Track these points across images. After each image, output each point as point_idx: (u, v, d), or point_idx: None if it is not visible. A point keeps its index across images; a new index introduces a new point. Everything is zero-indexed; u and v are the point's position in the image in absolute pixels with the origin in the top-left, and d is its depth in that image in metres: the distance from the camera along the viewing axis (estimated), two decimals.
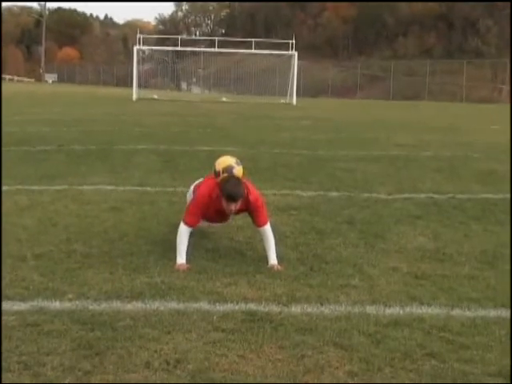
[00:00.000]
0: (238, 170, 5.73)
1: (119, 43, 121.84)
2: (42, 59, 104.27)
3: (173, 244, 5.53)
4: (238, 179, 5.50)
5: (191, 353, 3.71)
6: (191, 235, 5.59)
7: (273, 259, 5.49)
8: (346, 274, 5.29)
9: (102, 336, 3.89)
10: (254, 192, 5.62)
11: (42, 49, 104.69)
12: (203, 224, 6.05)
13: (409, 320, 4.29)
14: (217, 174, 5.71)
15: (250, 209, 5.58)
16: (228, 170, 5.67)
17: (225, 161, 5.81)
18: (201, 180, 6.22)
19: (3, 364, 3.50)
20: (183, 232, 5.50)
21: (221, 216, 5.74)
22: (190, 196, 6.36)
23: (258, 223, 5.66)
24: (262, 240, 5.69)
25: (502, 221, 7.49)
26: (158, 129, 19.16)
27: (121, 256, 5.61)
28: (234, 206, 5.39)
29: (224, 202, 5.38)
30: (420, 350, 3.84)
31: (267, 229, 5.63)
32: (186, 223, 5.54)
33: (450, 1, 76.39)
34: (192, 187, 6.35)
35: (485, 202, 8.57)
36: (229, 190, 5.32)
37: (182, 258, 5.39)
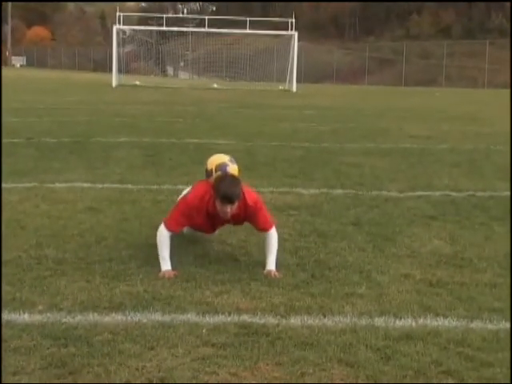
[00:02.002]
0: (233, 169, 5.69)
1: (96, 22, 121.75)
2: (8, 40, 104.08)
3: (156, 249, 5.53)
4: (234, 178, 5.44)
5: (177, 370, 3.72)
6: (177, 238, 5.60)
7: (270, 265, 5.49)
8: (352, 282, 5.30)
9: (76, 352, 3.89)
10: (252, 194, 5.60)
11: (7, 28, 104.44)
12: (188, 230, 6.05)
13: (422, 333, 4.30)
14: (209, 173, 5.66)
15: (248, 213, 5.54)
16: (221, 167, 5.63)
17: (217, 158, 5.78)
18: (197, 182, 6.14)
19: None
20: (164, 236, 5.50)
21: (211, 224, 5.68)
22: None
23: (261, 227, 5.64)
24: (263, 243, 5.68)
25: None
26: (140, 119, 19.17)
27: (98, 262, 5.61)
28: (229, 209, 5.32)
29: (219, 204, 5.31)
30: (435, 368, 3.85)
31: (271, 233, 5.62)
32: (167, 227, 5.52)
33: None
34: (186, 190, 6.30)
35: (508, 200, 8.58)
36: (224, 189, 5.24)
37: (166, 264, 5.39)
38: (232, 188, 5.27)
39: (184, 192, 6.23)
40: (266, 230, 5.63)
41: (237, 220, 5.60)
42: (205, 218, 5.51)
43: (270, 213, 5.84)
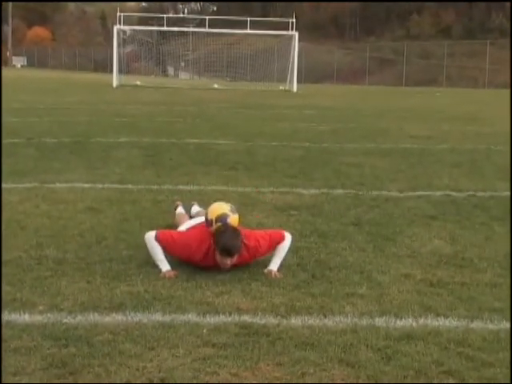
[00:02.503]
0: (233, 219, 5.62)
1: (97, 22, 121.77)
2: (9, 40, 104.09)
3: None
4: (234, 230, 5.41)
5: (178, 371, 3.71)
6: None
7: (273, 265, 5.50)
8: (353, 282, 5.30)
9: (76, 353, 3.89)
10: (252, 234, 5.59)
11: (8, 28, 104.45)
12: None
13: (423, 333, 4.30)
14: (209, 223, 5.61)
15: (258, 252, 5.54)
16: (222, 219, 5.55)
17: (218, 208, 5.68)
18: (196, 223, 6.07)
19: None
20: (153, 242, 5.49)
21: (212, 266, 5.56)
22: (182, 224, 6.29)
23: (275, 247, 5.64)
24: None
25: None
26: (141, 119, 19.17)
27: (99, 262, 5.61)
28: (229, 261, 5.31)
29: (218, 256, 5.31)
30: (436, 368, 3.84)
31: (285, 243, 5.66)
32: (158, 240, 5.49)
33: None
34: (187, 225, 6.18)
35: (509, 200, 8.58)
36: (224, 242, 5.23)
37: (165, 265, 5.39)
38: (232, 241, 5.27)
39: (181, 227, 6.16)
40: (280, 244, 5.64)
41: (241, 264, 5.51)
42: (202, 261, 5.44)
43: (272, 232, 5.81)
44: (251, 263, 5.59)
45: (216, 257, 5.34)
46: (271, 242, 5.62)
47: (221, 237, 5.28)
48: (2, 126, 14.87)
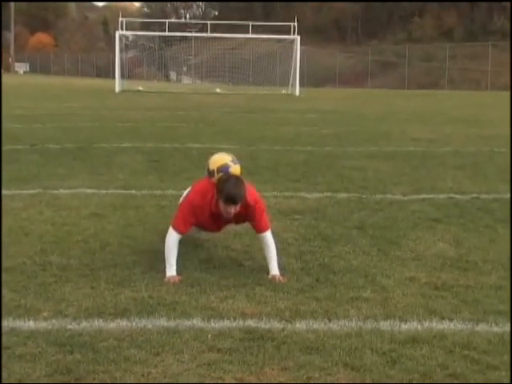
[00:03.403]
0: (235, 169, 5.65)
1: (99, 28, 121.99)
2: (12, 46, 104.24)
3: (161, 254, 5.53)
4: (238, 178, 5.42)
5: (183, 376, 3.71)
6: (181, 243, 5.60)
7: (274, 269, 5.50)
8: (357, 286, 5.29)
9: (81, 359, 3.89)
10: (254, 193, 5.60)
11: (11, 35, 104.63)
12: (194, 232, 6.04)
13: (428, 337, 4.29)
14: (211, 173, 5.63)
15: (249, 212, 5.54)
16: (223, 169, 5.59)
17: (220, 159, 5.72)
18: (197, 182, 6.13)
19: None
20: (172, 239, 5.50)
21: (216, 223, 5.68)
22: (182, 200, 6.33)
23: (258, 228, 5.64)
24: (262, 248, 5.70)
25: None
26: (143, 124, 19.18)
27: (103, 268, 5.61)
28: (233, 209, 5.32)
29: (222, 204, 5.31)
30: (441, 371, 3.84)
31: (268, 235, 5.63)
32: (176, 229, 5.53)
33: None
34: (185, 191, 6.31)
35: None
36: (228, 190, 5.24)
37: (172, 270, 5.40)
38: (236, 189, 5.27)
39: (184, 193, 6.22)
40: (261, 231, 5.63)
41: (238, 219, 5.60)
42: (208, 216, 5.51)
43: (268, 216, 5.80)
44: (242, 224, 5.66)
45: (220, 206, 5.33)
46: (261, 217, 5.59)
47: (224, 185, 5.28)
48: (1, 132, 14.88)
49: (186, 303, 4.82)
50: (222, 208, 5.34)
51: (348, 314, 4.68)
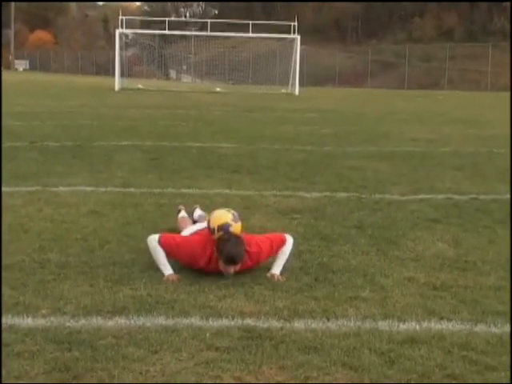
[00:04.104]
0: (236, 228, 5.59)
1: (99, 26, 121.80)
2: (11, 44, 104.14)
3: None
4: (237, 238, 5.39)
5: (181, 375, 3.71)
6: None
7: (275, 268, 5.51)
8: (356, 285, 5.29)
9: (80, 357, 3.89)
10: (253, 240, 5.57)
11: (10, 32, 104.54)
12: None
13: (426, 337, 4.29)
14: (211, 231, 5.59)
15: (260, 258, 5.54)
16: (224, 228, 5.52)
17: (220, 217, 5.64)
18: (199, 229, 6.08)
19: None
20: (156, 246, 5.49)
21: (214, 271, 5.57)
22: (185, 229, 6.31)
23: (279, 251, 5.64)
24: None
25: None
26: (143, 123, 19.17)
27: (102, 266, 5.61)
28: (233, 269, 5.32)
29: (222, 264, 5.31)
30: (439, 371, 3.84)
31: (286, 247, 5.65)
32: (161, 244, 5.49)
33: None
34: (191, 230, 6.20)
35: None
36: (228, 251, 5.24)
37: (168, 269, 5.40)
38: (236, 250, 5.27)
39: (185, 232, 6.16)
40: (282, 248, 5.64)
41: (243, 268, 5.51)
42: (205, 266, 5.44)
43: (273, 236, 5.78)
44: (253, 268, 5.59)
45: (219, 264, 5.33)
46: (272, 246, 5.61)
47: (224, 245, 5.27)
48: (1, 129, 14.87)
49: (184, 302, 4.82)
50: (221, 267, 5.34)
51: (346, 313, 4.68)
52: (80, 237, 6.54)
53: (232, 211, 5.76)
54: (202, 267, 5.44)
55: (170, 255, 5.50)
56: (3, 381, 3.60)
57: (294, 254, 5.86)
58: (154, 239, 5.55)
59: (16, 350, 3.96)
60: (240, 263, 5.33)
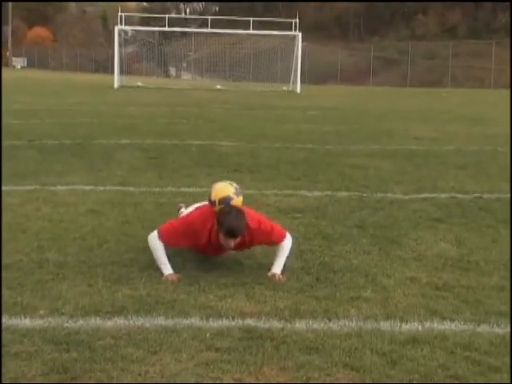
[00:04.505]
0: (237, 202, 5.58)
1: (98, 23, 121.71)
2: (9, 41, 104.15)
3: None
4: (239, 211, 5.39)
5: (181, 376, 3.72)
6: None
7: (276, 268, 5.51)
8: (357, 285, 5.30)
9: (78, 357, 3.89)
10: (255, 216, 5.59)
11: (8, 29, 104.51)
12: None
13: (429, 337, 4.30)
14: (212, 203, 5.58)
15: (256, 237, 5.54)
16: (225, 201, 5.51)
17: (222, 190, 5.62)
18: (200, 205, 6.06)
19: None
20: (155, 240, 5.50)
21: (215, 249, 5.65)
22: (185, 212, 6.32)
23: (274, 243, 5.65)
24: (275, 249, 5.71)
25: None
26: (143, 121, 19.17)
27: (100, 266, 5.62)
28: (233, 242, 5.34)
29: (222, 236, 5.32)
30: (442, 372, 3.84)
31: (284, 243, 5.65)
32: (160, 234, 5.51)
33: None
34: (185, 210, 6.28)
35: None
36: (229, 224, 5.24)
37: (168, 269, 5.40)
38: (236, 222, 5.27)
39: (184, 211, 6.21)
40: (279, 243, 5.64)
41: (242, 246, 5.57)
42: (207, 242, 5.47)
43: (277, 226, 5.77)
44: (249, 249, 5.66)
45: (220, 237, 5.34)
46: (272, 232, 5.60)
47: (225, 218, 5.28)
48: (1, 128, 14.87)
49: (184, 302, 4.83)
50: (222, 240, 5.35)
51: (348, 313, 4.69)
52: (78, 236, 6.54)
53: (234, 184, 5.75)
54: (204, 244, 5.46)
55: (171, 243, 5.50)
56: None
57: (295, 253, 5.86)
58: (153, 236, 5.54)
59: (13, 350, 3.96)
60: (240, 236, 5.33)
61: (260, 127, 18.14)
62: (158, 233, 5.54)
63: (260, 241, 5.61)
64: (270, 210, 7.94)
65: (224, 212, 5.35)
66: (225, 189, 5.64)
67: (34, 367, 3.77)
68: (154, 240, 5.52)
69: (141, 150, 12.68)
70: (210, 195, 5.66)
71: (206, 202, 5.85)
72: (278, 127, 18.29)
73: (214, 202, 5.55)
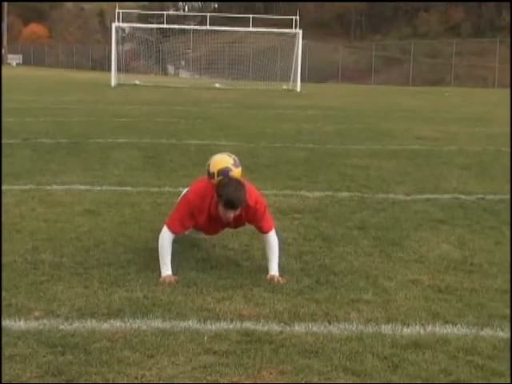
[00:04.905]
0: (236, 173, 5.60)
1: (95, 20, 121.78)
2: (4, 37, 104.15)
3: (157, 252, 5.53)
4: (238, 182, 5.40)
5: (178, 379, 3.71)
6: (177, 242, 5.59)
7: (273, 270, 5.50)
8: (358, 288, 5.29)
9: (73, 360, 3.88)
10: (254, 193, 5.59)
11: (3, 25, 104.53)
12: (190, 232, 6.04)
13: (431, 341, 4.29)
14: (211, 175, 5.60)
15: (249, 214, 5.54)
16: (224, 172, 5.53)
17: (221, 161, 5.65)
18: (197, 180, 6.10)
19: None
20: (166, 239, 5.49)
21: (214, 226, 5.68)
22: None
23: (261, 229, 5.66)
24: (264, 247, 5.70)
25: None
26: (140, 119, 19.17)
27: (96, 267, 5.61)
28: (233, 214, 5.34)
29: (221, 208, 5.32)
30: (444, 377, 3.84)
31: (271, 235, 5.64)
32: (170, 228, 5.52)
33: None
34: (184, 190, 6.30)
35: None
36: (228, 195, 5.24)
37: (167, 269, 5.40)
38: (236, 194, 5.27)
39: (183, 192, 6.22)
40: (265, 231, 5.64)
41: (238, 222, 5.62)
42: (206, 218, 5.52)
43: (270, 215, 5.81)
44: (244, 226, 5.68)
45: (219, 209, 5.34)
46: (262, 217, 5.60)
47: (224, 189, 5.27)
48: (1, 127, 14.89)
49: (181, 304, 4.82)
50: (221, 212, 5.35)
51: (349, 316, 4.68)
52: (74, 237, 6.54)
53: (232, 156, 5.75)
54: (205, 219, 5.48)
55: (182, 231, 5.59)
56: None
57: (294, 255, 5.85)
58: (164, 232, 5.51)
59: (8, 353, 3.95)
60: (240, 208, 5.33)
61: (259, 126, 18.15)
62: (167, 226, 5.53)
63: (250, 219, 5.60)
64: (270, 210, 7.92)
65: (223, 183, 5.34)
66: (223, 160, 5.66)
67: (28, 370, 3.76)
68: (165, 236, 5.50)
69: (138, 150, 12.68)
70: (208, 167, 5.67)
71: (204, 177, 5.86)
72: (278, 126, 18.29)
73: (213, 173, 5.56)
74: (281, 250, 5.71)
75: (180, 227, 5.55)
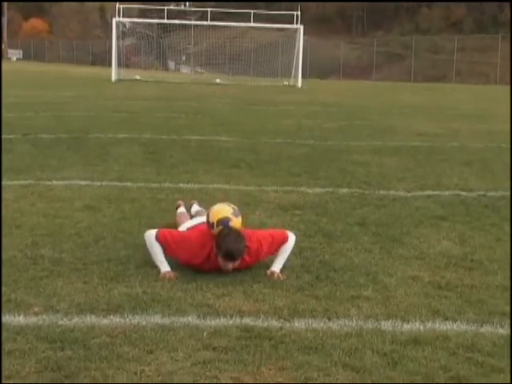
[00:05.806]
0: (236, 223, 5.57)
1: (95, 14, 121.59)
2: (5, 32, 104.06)
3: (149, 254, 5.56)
4: (237, 233, 5.38)
5: (177, 375, 3.72)
6: None
7: (275, 266, 5.51)
8: (358, 284, 5.30)
9: (73, 356, 3.89)
10: (254, 235, 5.57)
11: (3, 20, 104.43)
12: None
13: (431, 338, 4.30)
14: (210, 225, 5.57)
15: (260, 254, 5.53)
16: (223, 222, 5.50)
17: (220, 211, 5.62)
18: (199, 222, 6.07)
19: None
20: (153, 242, 5.50)
21: (213, 269, 5.55)
22: (183, 224, 6.30)
23: (280, 246, 5.64)
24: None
25: None
26: (140, 115, 19.17)
27: (96, 263, 5.62)
28: (232, 265, 5.32)
29: (221, 260, 5.31)
30: (444, 373, 3.84)
31: (289, 243, 5.66)
32: (158, 239, 5.50)
33: None
34: (182, 226, 6.23)
35: None
36: (227, 246, 5.23)
37: (165, 266, 5.40)
38: (235, 245, 5.26)
39: (182, 226, 6.18)
40: (284, 242, 5.65)
41: (245, 266, 5.51)
42: (204, 265, 5.44)
43: (276, 227, 5.80)
44: (253, 265, 5.59)
45: (218, 260, 5.33)
46: (274, 243, 5.61)
47: (223, 241, 5.27)
48: (1, 121, 14.89)
49: (181, 300, 4.83)
50: (220, 263, 5.34)
51: (348, 313, 4.69)
52: (74, 232, 6.54)
53: (232, 205, 5.75)
54: (201, 264, 5.44)
55: (166, 252, 5.50)
56: None
57: (294, 251, 5.86)
58: (150, 235, 5.55)
59: (7, 348, 3.96)
60: (239, 259, 5.33)
61: (260, 122, 18.14)
62: (157, 235, 5.53)
63: (264, 256, 5.59)
64: (270, 206, 7.95)
65: (222, 235, 5.33)
66: (222, 210, 5.64)
67: (27, 365, 3.77)
68: (152, 239, 5.52)
69: (138, 145, 12.68)
70: (207, 217, 5.66)
71: (202, 220, 5.87)
72: (279, 122, 18.28)
73: (213, 223, 5.54)
74: (293, 251, 5.71)
75: (166, 243, 5.48)
